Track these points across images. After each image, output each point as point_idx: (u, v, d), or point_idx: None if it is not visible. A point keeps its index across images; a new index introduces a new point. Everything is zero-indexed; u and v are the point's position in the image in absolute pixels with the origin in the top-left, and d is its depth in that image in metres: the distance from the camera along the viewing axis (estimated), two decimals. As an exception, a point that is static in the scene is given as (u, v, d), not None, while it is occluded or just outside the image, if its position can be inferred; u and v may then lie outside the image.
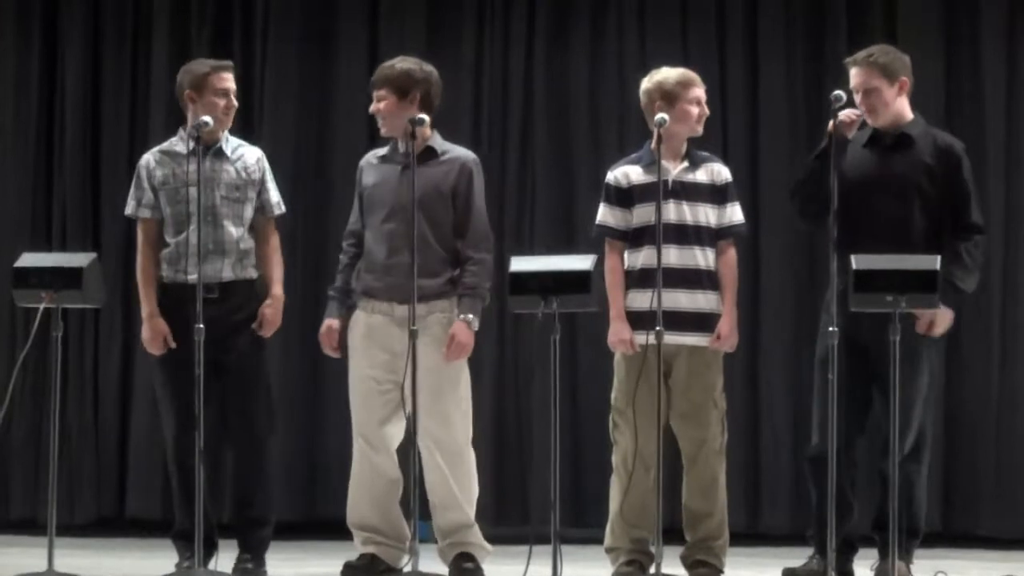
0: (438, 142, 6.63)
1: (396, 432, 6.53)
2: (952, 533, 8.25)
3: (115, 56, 8.79)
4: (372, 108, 6.62)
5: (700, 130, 6.53)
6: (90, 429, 8.66)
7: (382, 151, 6.70)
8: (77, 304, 6.37)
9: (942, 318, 6.36)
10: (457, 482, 6.51)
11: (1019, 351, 8.36)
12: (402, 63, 6.60)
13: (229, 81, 6.66)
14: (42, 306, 6.21)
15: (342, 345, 6.63)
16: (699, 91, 6.51)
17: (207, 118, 6.39)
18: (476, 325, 6.51)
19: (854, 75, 6.49)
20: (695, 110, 6.48)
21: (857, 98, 6.43)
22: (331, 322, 6.64)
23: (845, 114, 6.36)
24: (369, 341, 6.51)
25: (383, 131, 6.61)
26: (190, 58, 8.65)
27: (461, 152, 6.67)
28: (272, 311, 6.65)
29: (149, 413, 8.56)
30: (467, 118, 8.49)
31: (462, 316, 6.47)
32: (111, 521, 8.63)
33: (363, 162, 6.74)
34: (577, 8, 8.66)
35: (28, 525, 8.35)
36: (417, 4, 8.70)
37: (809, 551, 6.54)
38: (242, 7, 8.78)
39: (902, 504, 6.06)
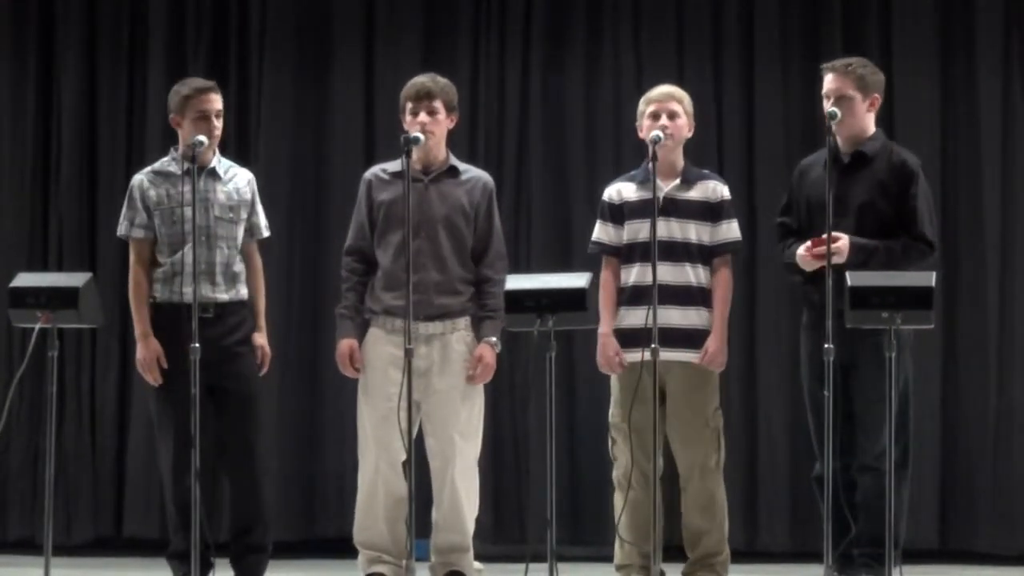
0: (455, 160, 6.61)
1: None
2: (950, 550, 8.24)
3: (111, 79, 8.78)
4: (421, 120, 6.42)
5: (667, 145, 6.44)
6: (87, 449, 8.64)
7: (391, 166, 6.56)
8: (73, 324, 6.31)
9: (842, 247, 6.21)
10: (467, 499, 6.50)
11: (1016, 368, 8.34)
12: (443, 78, 6.54)
13: (211, 103, 6.52)
14: (38, 326, 6.16)
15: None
16: (652, 107, 6.48)
17: (202, 137, 6.35)
18: (499, 347, 6.52)
19: (829, 80, 6.49)
20: (646, 124, 6.47)
21: (827, 103, 6.42)
22: (351, 342, 6.51)
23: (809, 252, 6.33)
24: (392, 361, 6.38)
25: (422, 144, 6.26)
26: (186, 81, 8.74)
27: (478, 171, 6.67)
28: (265, 344, 6.64)
29: (146, 433, 8.54)
30: (463, 137, 8.47)
31: (486, 339, 6.47)
32: (108, 541, 8.60)
33: (371, 176, 6.61)
34: (573, 27, 8.66)
35: (25, 545, 8.35)
36: (413, 24, 8.70)
37: (809, 568, 6.53)
38: (238, 29, 8.77)
39: (883, 516, 6.03)
